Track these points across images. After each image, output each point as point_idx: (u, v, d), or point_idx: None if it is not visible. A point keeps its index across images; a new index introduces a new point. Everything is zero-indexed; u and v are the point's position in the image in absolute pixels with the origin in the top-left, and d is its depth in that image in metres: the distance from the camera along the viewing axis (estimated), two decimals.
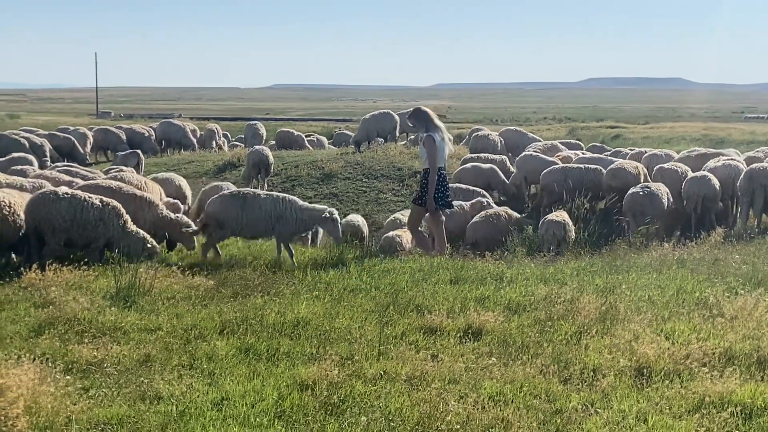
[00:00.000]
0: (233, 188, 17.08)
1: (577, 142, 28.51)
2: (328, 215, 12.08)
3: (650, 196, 15.20)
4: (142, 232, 11.62)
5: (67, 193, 11.38)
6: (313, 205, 12.68)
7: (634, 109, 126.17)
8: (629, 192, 15.63)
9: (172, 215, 12.77)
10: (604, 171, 17.86)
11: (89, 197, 11.34)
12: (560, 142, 25.99)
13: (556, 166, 18.86)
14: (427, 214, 13.09)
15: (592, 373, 6.77)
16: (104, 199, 11.48)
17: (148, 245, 11.53)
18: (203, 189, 18.08)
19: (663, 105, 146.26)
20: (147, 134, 33.12)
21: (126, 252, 10.97)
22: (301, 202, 12.35)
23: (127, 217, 11.49)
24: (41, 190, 11.81)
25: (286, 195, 12.53)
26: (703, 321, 8.27)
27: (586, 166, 18.42)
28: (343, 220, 15.63)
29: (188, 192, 18.18)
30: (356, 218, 16.86)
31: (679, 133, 52.48)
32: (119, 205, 11.51)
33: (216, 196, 12.88)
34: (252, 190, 13.25)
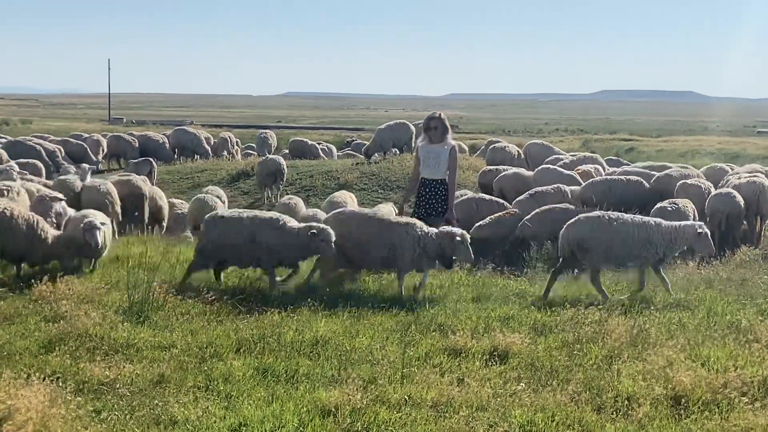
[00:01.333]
0: (216, 200, 16.96)
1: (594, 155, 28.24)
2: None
3: (677, 213, 14.90)
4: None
5: None
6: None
7: (647, 121, 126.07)
8: (656, 207, 15.32)
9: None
10: (646, 183, 17.63)
11: None
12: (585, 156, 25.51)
13: (598, 179, 18.49)
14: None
15: (626, 401, 6.49)
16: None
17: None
18: (191, 205, 17.81)
19: (676, 118, 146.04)
20: (161, 141, 32.85)
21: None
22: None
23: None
24: None
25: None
26: (738, 347, 7.99)
27: (628, 177, 18.03)
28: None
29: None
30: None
31: (693, 147, 52.25)
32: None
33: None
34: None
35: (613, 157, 29.13)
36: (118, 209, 15.60)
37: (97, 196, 15.17)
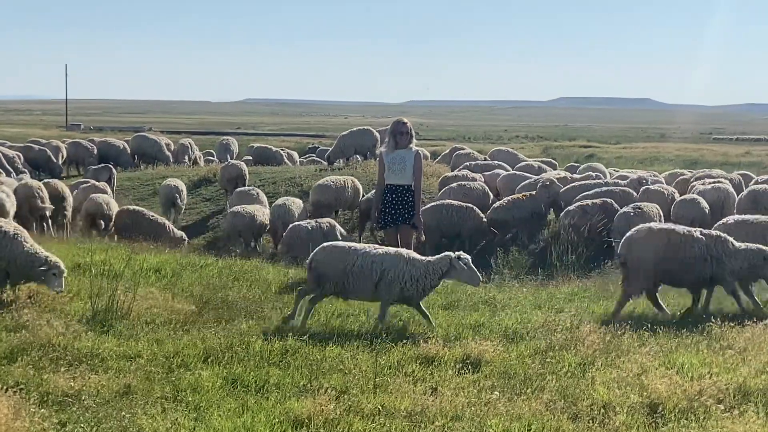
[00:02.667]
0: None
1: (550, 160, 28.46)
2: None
3: (641, 217, 14.95)
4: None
5: None
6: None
7: (605, 128, 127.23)
8: (620, 212, 15.37)
9: None
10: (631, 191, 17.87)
11: None
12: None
13: (575, 184, 18.70)
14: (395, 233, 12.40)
15: (602, 409, 6.42)
16: None
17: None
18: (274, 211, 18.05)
19: (633, 125, 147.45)
20: (121, 147, 32.46)
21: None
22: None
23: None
24: None
25: None
26: (712, 353, 7.97)
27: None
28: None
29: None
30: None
31: (652, 153, 52.90)
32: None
33: None
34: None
35: (575, 164, 29.29)
36: None
37: None
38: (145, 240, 15.22)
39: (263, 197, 19.68)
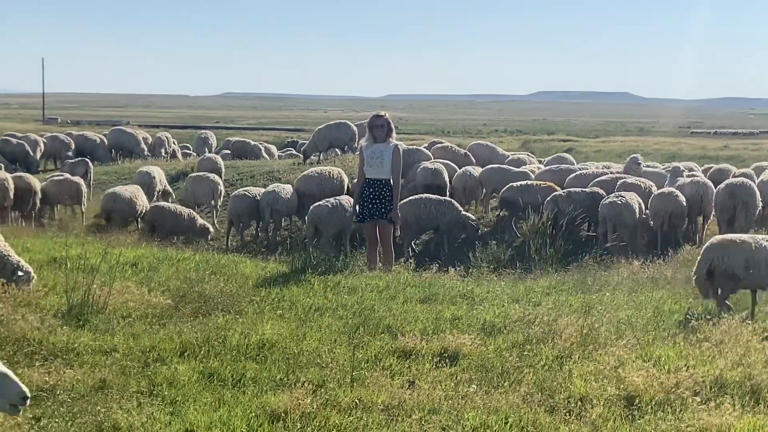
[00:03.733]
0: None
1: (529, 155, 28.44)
2: None
3: (627, 206, 15.08)
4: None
5: None
6: None
7: (584, 122, 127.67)
8: (606, 201, 15.47)
9: None
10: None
11: None
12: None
13: (576, 173, 19.01)
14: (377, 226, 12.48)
15: (579, 402, 6.41)
16: None
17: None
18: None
19: (611, 119, 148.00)
20: (98, 141, 32.26)
21: None
22: None
23: None
24: None
25: None
26: (689, 346, 7.99)
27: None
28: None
29: None
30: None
31: (631, 147, 53.00)
32: None
33: None
34: None
35: (563, 155, 29.25)
36: None
37: None
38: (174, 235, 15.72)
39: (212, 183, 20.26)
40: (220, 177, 22.24)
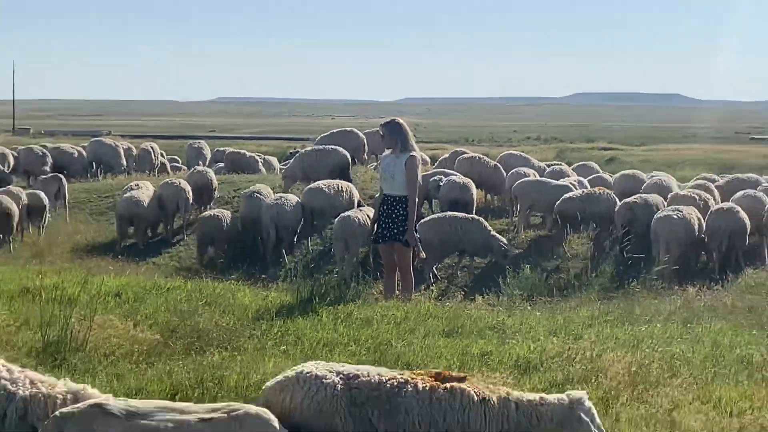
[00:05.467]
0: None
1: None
2: None
3: (683, 222, 15.07)
4: None
5: None
6: None
7: (628, 128, 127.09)
8: (659, 215, 15.44)
9: None
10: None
11: None
12: None
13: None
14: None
15: None
16: None
17: None
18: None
19: (660, 124, 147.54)
20: (76, 155, 32.19)
21: None
22: None
23: None
24: None
25: None
26: (753, 385, 7.93)
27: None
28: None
29: None
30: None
31: (686, 156, 52.76)
32: None
33: None
34: None
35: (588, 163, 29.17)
36: None
37: None
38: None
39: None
40: (212, 193, 22.29)
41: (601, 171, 25.24)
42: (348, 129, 27.95)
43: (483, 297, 12.51)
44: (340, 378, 5.37)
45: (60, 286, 11.45)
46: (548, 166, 25.10)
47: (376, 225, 12.44)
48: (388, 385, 5.28)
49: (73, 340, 8.76)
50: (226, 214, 18.46)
